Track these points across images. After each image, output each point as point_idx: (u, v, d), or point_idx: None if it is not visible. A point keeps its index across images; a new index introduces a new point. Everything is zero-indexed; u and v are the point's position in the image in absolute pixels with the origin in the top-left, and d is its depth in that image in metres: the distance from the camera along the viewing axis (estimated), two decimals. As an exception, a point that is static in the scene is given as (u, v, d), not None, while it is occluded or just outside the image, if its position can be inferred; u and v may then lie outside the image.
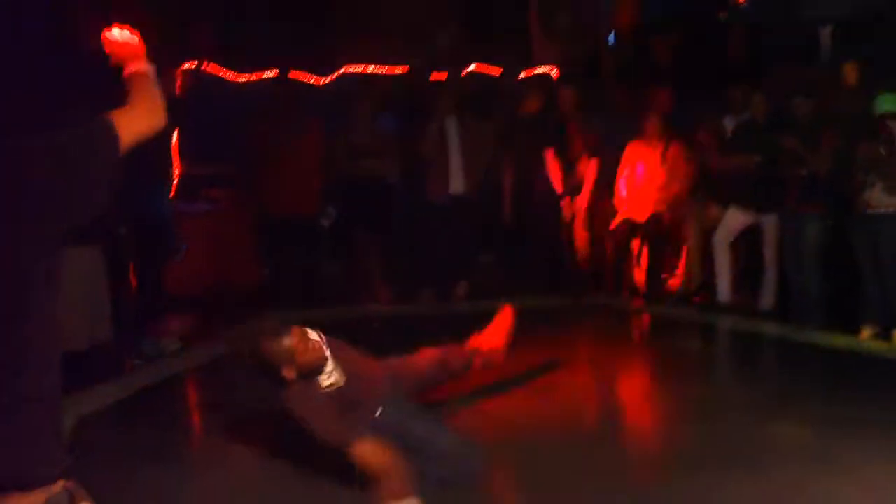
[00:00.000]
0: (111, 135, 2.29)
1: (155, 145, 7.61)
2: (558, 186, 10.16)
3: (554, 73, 12.09)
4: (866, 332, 7.66)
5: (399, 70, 11.80)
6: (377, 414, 4.67)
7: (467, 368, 5.45)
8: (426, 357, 5.23)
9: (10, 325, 2.04)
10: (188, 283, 9.09)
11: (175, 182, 8.33)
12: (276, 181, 9.65)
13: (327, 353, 4.49)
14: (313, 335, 4.49)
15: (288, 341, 4.34)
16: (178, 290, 8.38)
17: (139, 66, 2.63)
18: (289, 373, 4.36)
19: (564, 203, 10.22)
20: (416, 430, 4.67)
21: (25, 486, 2.04)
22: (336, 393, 4.53)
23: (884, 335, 7.55)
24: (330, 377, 4.52)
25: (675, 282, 9.81)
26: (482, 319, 6.22)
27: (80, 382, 6.22)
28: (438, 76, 11.24)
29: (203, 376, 7.30)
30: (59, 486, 2.12)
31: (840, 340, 7.68)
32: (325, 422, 4.42)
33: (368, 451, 4.30)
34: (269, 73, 11.36)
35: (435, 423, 4.80)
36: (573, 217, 10.29)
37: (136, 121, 2.40)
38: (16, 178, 2.07)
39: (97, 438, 5.38)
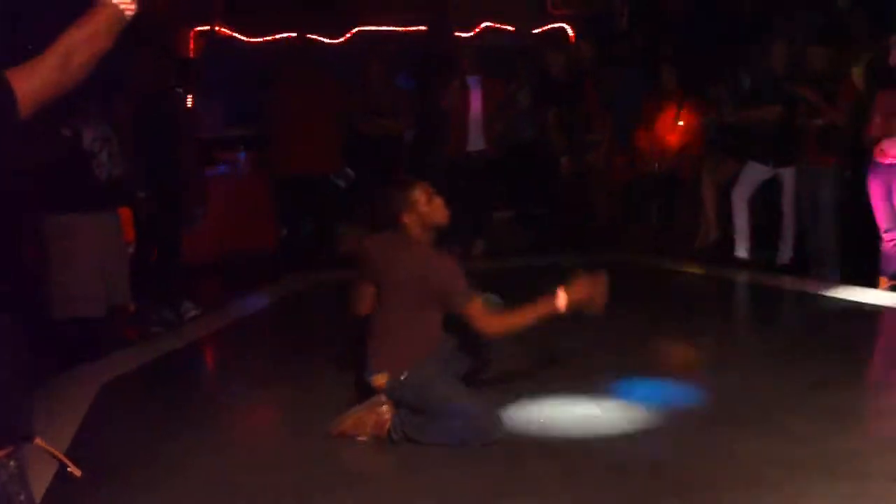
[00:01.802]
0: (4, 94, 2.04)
1: (171, 109, 7.73)
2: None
3: (568, 28, 12.01)
4: (883, 284, 7.65)
5: (414, 28, 11.74)
6: (403, 377, 4.76)
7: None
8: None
9: None
10: (206, 248, 9.12)
11: (193, 146, 8.32)
12: (292, 143, 9.64)
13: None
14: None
15: (414, 193, 4.82)
16: (195, 256, 8.41)
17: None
18: (408, 218, 4.82)
19: (585, 160, 10.25)
20: (439, 389, 4.73)
21: None
22: None
23: (901, 288, 7.55)
24: None
25: (690, 236, 9.78)
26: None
27: (99, 350, 6.31)
28: (457, 34, 11.21)
29: (221, 342, 7.35)
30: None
31: (856, 293, 7.67)
32: (457, 268, 4.75)
33: (481, 310, 4.66)
34: (283, 34, 11.31)
35: (455, 383, 4.84)
36: (591, 174, 10.29)
37: (38, 79, 2.10)
38: None
39: (117, 407, 5.44)
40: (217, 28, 11.27)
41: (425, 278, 4.76)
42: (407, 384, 4.76)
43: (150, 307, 7.31)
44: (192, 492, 4.16)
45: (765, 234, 9.14)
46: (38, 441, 2.15)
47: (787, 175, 8.63)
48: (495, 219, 10.60)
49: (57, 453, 2.18)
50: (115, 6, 2.21)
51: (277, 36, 11.38)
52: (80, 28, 2.18)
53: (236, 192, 10.18)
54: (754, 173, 8.88)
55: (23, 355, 2.07)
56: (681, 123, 9.65)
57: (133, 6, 2.24)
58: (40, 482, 3.90)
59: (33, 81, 2.11)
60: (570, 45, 11.55)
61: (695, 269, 9.19)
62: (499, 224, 10.57)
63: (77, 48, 2.15)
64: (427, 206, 4.86)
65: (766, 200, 9.09)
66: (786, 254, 8.76)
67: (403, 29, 11.69)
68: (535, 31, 12.03)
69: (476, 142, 10.04)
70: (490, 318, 4.69)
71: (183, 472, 4.37)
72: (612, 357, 6.07)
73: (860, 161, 7.93)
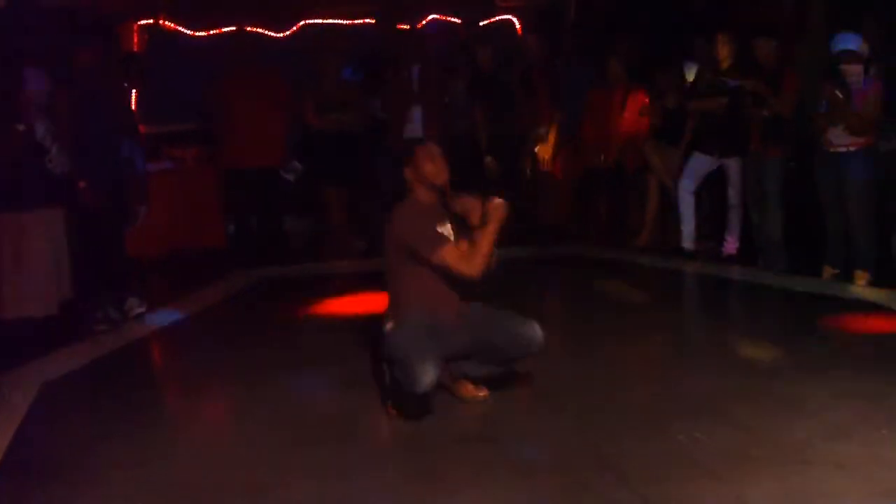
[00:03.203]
0: None
1: (114, 104, 7.62)
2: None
3: (516, 21, 11.99)
4: (828, 273, 7.72)
5: (361, 21, 11.67)
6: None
7: None
8: None
9: None
10: (153, 244, 9.03)
11: (136, 141, 8.20)
12: (239, 137, 9.54)
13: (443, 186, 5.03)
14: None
15: (417, 154, 5.02)
16: (142, 252, 8.31)
17: None
18: (412, 179, 5.03)
19: (530, 152, 10.22)
20: (399, 340, 4.87)
21: None
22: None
23: (844, 276, 7.62)
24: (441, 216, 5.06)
25: (638, 228, 9.82)
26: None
27: (44, 348, 6.23)
28: (403, 26, 11.16)
29: (167, 339, 7.26)
30: None
31: (802, 282, 7.74)
32: (423, 229, 4.90)
33: (454, 254, 4.82)
34: (228, 28, 11.21)
35: (417, 342, 4.87)
36: (538, 165, 10.27)
37: None
38: None
39: (62, 404, 5.36)
40: (161, 22, 11.15)
41: (391, 233, 4.98)
42: (388, 337, 4.98)
43: (94, 304, 7.21)
44: (136, 491, 4.10)
45: (711, 224, 9.20)
46: None
47: (733, 165, 8.69)
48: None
49: None
50: None
51: (223, 29, 11.28)
52: None
53: (183, 188, 10.08)
54: (700, 164, 8.92)
55: None
56: (626, 115, 9.66)
57: None
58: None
59: None
60: (518, 38, 11.55)
61: (641, 261, 9.22)
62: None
63: None
64: (427, 167, 4.98)
65: (711, 191, 9.16)
66: (732, 244, 8.83)
67: (350, 22, 11.62)
68: (483, 23, 11.98)
69: (413, 129, 9.94)
70: (463, 258, 4.80)
71: (126, 471, 4.30)
72: (559, 350, 6.06)
73: (805, 151, 8.00)
